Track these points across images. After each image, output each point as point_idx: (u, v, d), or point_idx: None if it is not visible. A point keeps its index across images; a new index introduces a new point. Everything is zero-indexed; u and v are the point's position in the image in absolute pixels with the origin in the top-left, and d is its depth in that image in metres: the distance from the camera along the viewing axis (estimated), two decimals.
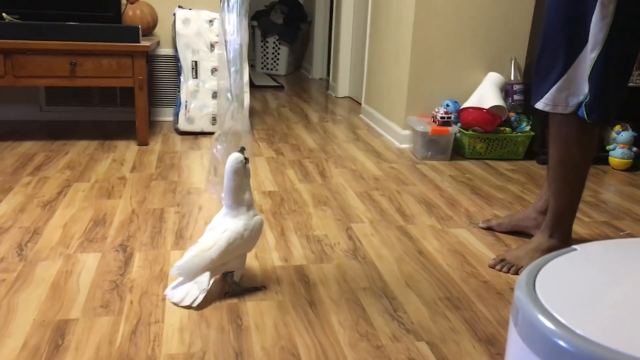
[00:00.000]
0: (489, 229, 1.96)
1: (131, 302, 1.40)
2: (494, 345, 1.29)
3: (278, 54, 5.75)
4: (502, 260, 1.69)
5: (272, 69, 5.80)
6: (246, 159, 1.40)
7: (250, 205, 1.44)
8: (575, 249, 0.68)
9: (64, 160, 2.51)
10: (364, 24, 3.94)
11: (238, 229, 1.40)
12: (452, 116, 2.83)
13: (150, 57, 3.17)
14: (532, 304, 0.53)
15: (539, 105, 1.61)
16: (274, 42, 5.72)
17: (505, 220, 1.95)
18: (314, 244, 1.78)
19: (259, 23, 5.73)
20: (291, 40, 5.71)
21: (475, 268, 1.68)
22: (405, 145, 3.01)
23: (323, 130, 3.35)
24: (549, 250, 1.65)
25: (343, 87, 4.58)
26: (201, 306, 1.39)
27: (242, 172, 1.40)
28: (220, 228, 1.42)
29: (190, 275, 1.40)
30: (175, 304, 1.39)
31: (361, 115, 3.78)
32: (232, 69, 1.74)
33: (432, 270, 1.65)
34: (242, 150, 1.42)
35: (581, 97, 1.54)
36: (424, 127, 2.76)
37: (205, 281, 1.40)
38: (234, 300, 1.43)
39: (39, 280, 1.48)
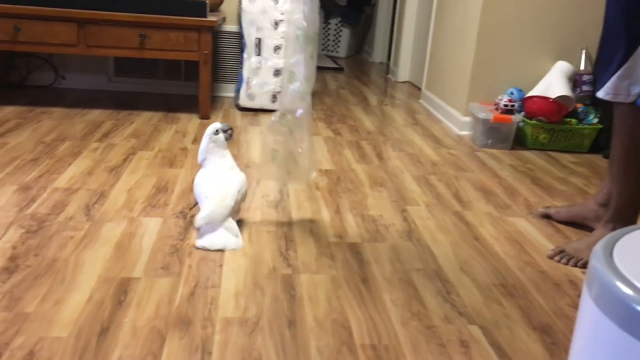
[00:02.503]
0: (546, 216, 1.92)
1: (190, 266, 1.44)
2: (549, 335, 1.27)
3: (339, 35, 5.73)
4: (562, 251, 1.65)
5: (332, 51, 5.79)
6: (227, 131, 1.64)
7: (233, 166, 1.67)
8: None
9: (129, 129, 2.59)
10: (429, 8, 3.88)
11: (242, 178, 1.65)
12: (516, 104, 2.76)
13: (215, 32, 3.23)
14: (609, 270, 0.52)
15: (600, 94, 1.57)
16: (336, 24, 5.70)
17: (563, 210, 1.90)
18: (368, 223, 1.78)
19: (322, 4, 5.72)
20: (353, 23, 5.68)
21: (533, 257, 1.64)
22: (464, 132, 2.96)
23: (382, 114, 3.33)
24: None
25: (404, 71, 4.53)
26: (256, 275, 1.43)
27: (215, 139, 1.63)
28: (224, 181, 1.62)
29: (217, 222, 1.56)
30: (207, 249, 1.53)
31: (421, 100, 3.74)
32: (304, 51, 1.75)
33: (488, 256, 1.63)
34: (228, 129, 1.65)
35: None
36: (486, 114, 2.70)
37: (234, 226, 1.59)
38: (288, 272, 1.45)
39: (104, 240, 1.55)
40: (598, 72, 1.60)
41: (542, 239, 1.77)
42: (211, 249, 1.54)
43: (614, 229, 1.65)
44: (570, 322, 1.33)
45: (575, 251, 1.64)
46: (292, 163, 1.72)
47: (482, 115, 2.71)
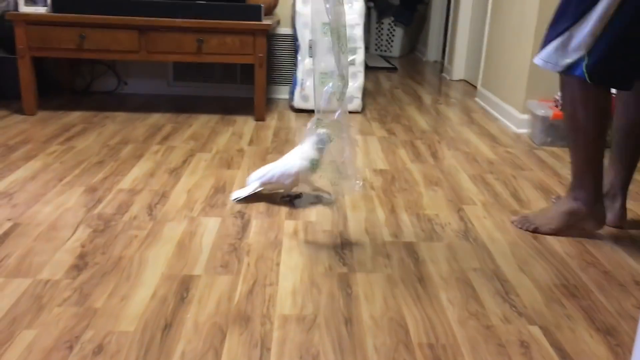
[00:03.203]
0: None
1: (248, 264, 1.48)
2: (614, 337, 1.23)
3: (393, 35, 5.71)
4: (524, 217, 1.78)
5: (385, 51, 5.77)
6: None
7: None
8: None
9: (188, 131, 2.67)
10: (484, 5, 3.82)
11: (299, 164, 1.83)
12: None
13: (269, 35, 3.28)
14: None
15: (535, 60, 1.64)
16: (389, 24, 5.68)
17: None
18: (424, 223, 1.77)
19: (375, 4, 5.71)
20: (407, 22, 5.64)
21: (596, 257, 1.60)
22: (522, 130, 2.90)
23: (436, 112, 3.30)
24: (569, 213, 1.70)
25: (458, 69, 4.47)
26: (312, 273, 1.44)
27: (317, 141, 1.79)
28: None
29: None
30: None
31: (476, 99, 3.68)
32: (335, 50, 1.69)
33: (548, 256, 1.59)
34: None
35: (575, 58, 1.55)
36: (545, 111, 2.64)
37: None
38: (344, 270, 1.47)
39: (166, 238, 1.60)
40: (543, 40, 1.65)
41: (606, 239, 1.71)
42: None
43: (575, 198, 1.69)
44: (635, 323, 1.29)
45: (533, 218, 1.75)
46: (335, 173, 1.70)
47: (541, 112, 2.64)
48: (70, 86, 3.35)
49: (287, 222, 1.74)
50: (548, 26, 1.64)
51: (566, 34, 1.56)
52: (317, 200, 1.92)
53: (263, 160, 2.30)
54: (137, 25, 2.73)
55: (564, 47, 1.57)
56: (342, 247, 1.60)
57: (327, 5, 1.53)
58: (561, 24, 1.59)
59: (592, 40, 1.52)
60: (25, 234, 1.59)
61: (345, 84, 1.61)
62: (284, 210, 1.83)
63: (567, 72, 1.58)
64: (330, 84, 1.61)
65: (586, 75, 1.54)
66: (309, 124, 1.74)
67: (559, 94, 2.69)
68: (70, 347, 1.13)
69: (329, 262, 1.51)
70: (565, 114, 1.67)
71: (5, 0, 2.97)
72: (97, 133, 2.58)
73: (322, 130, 1.75)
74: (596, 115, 1.61)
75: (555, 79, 2.81)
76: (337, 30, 1.56)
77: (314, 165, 1.80)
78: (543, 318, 1.29)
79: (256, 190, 1.87)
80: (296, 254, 1.55)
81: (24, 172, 2.06)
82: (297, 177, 1.83)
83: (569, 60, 1.57)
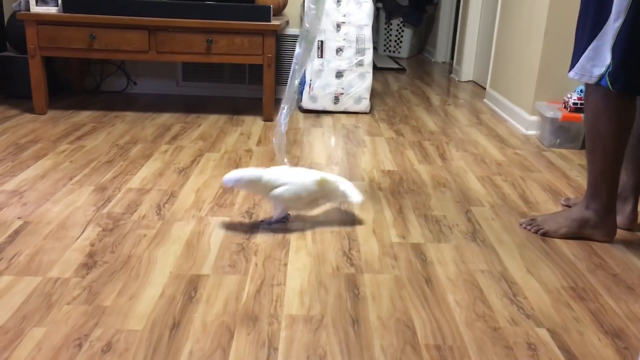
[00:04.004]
0: (568, 207, 1.92)
1: (256, 264, 1.48)
2: (622, 339, 1.23)
3: (401, 36, 5.70)
4: (533, 219, 1.77)
5: (394, 52, 5.77)
6: None
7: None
8: None
9: (197, 131, 2.68)
10: (493, 6, 3.81)
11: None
12: None
13: (278, 36, 3.28)
14: None
15: (570, 74, 1.65)
16: (398, 24, 5.68)
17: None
18: (432, 224, 1.77)
19: (384, 5, 5.71)
20: (416, 23, 5.64)
21: (604, 260, 1.59)
22: (531, 132, 2.89)
23: (444, 114, 3.30)
24: (580, 220, 1.70)
25: (467, 70, 4.46)
26: (320, 273, 1.45)
27: None
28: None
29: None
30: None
31: (485, 100, 3.67)
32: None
33: (556, 258, 1.59)
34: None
35: (604, 68, 1.56)
36: (554, 112, 2.63)
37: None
38: (352, 271, 1.47)
39: (175, 238, 1.61)
40: (573, 53, 1.67)
41: (615, 242, 1.71)
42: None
43: (587, 206, 1.71)
44: None
45: (541, 221, 1.75)
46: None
47: (550, 114, 2.64)
48: (80, 86, 3.37)
49: (294, 222, 1.75)
50: (575, 37, 1.66)
51: (593, 44, 1.58)
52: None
53: (271, 160, 2.31)
54: (146, 26, 2.75)
55: (594, 57, 1.59)
56: (350, 247, 1.60)
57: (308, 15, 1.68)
58: (585, 33, 1.60)
59: (617, 48, 1.53)
60: (35, 232, 1.61)
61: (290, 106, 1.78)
62: (291, 210, 1.83)
63: (599, 82, 1.58)
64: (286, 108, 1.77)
65: (608, 82, 1.55)
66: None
67: (568, 95, 2.68)
68: (80, 345, 1.14)
69: (337, 263, 1.51)
70: (587, 123, 1.67)
71: (17, 0, 2.99)
72: (107, 132, 2.60)
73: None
74: (618, 126, 1.61)
75: (564, 81, 2.81)
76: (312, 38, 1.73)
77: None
78: (551, 320, 1.29)
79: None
80: (304, 255, 1.55)
81: (34, 171, 2.08)
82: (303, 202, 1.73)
83: (601, 70, 1.57)
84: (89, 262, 1.46)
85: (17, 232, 1.60)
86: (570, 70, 1.67)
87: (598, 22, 1.56)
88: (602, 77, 1.57)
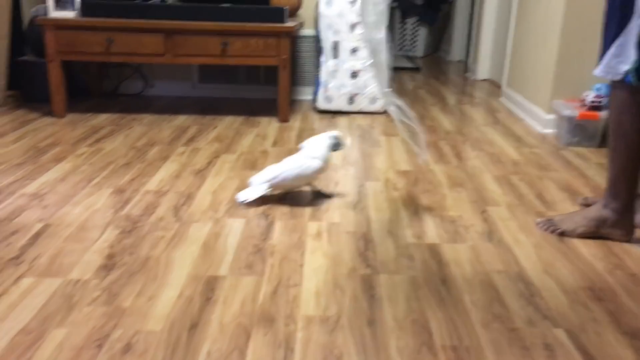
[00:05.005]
0: (586, 206, 1.90)
1: (272, 266, 1.49)
2: None
3: (416, 35, 5.69)
4: (549, 220, 1.77)
5: (409, 51, 5.75)
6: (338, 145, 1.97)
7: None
8: None
9: (213, 133, 2.70)
10: (509, 3, 3.78)
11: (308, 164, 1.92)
12: (604, 101, 2.64)
13: (293, 37, 3.29)
14: None
15: (596, 71, 1.65)
16: (413, 24, 5.66)
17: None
18: (447, 224, 1.77)
19: (399, 4, 5.70)
20: (431, 22, 5.62)
21: (622, 260, 1.58)
22: (548, 130, 2.87)
23: (460, 113, 3.28)
24: (597, 219, 1.69)
25: (483, 69, 4.44)
26: (336, 274, 1.45)
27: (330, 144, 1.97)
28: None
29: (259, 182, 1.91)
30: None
31: (501, 99, 3.65)
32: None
33: (574, 259, 1.58)
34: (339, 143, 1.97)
35: (629, 65, 1.56)
36: (571, 111, 2.61)
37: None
38: (367, 272, 1.47)
39: (192, 239, 1.63)
40: (600, 51, 1.66)
41: (633, 241, 1.69)
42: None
43: (605, 205, 1.70)
44: None
45: (558, 221, 1.74)
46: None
47: (567, 112, 2.62)
48: (99, 89, 3.42)
49: (310, 223, 1.76)
50: (602, 35, 1.66)
51: (619, 40, 1.58)
52: (318, 196, 1.98)
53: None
54: (162, 29, 2.78)
55: (619, 54, 1.59)
56: (366, 248, 1.61)
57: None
58: (611, 30, 1.60)
59: None
60: (55, 234, 1.64)
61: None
62: (307, 211, 1.84)
63: (625, 78, 1.58)
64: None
65: (634, 78, 1.55)
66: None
67: (585, 93, 2.66)
68: (100, 346, 1.16)
69: (353, 264, 1.52)
70: (611, 120, 1.66)
71: (36, 5, 3.04)
72: (125, 135, 2.63)
73: (335, 134, 1.97)
74: None
75: (581, 79, 2.79)
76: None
77: (327, 165, 1.95)
78: (568, 321, 1.28)
79: (265, 193, 1.89)
80: (320, 255, 1.56)
81: (54, 173, 2.11)
82: (312, 178, 1.94)
83: (627, 66, 1.57)
84: (108, 264, 1.48)
85: (38, 235, 1.63)
86: (596, 67, 1.67)
87: (623, 18, 1.56)
88: (627, 73, 1.57)
